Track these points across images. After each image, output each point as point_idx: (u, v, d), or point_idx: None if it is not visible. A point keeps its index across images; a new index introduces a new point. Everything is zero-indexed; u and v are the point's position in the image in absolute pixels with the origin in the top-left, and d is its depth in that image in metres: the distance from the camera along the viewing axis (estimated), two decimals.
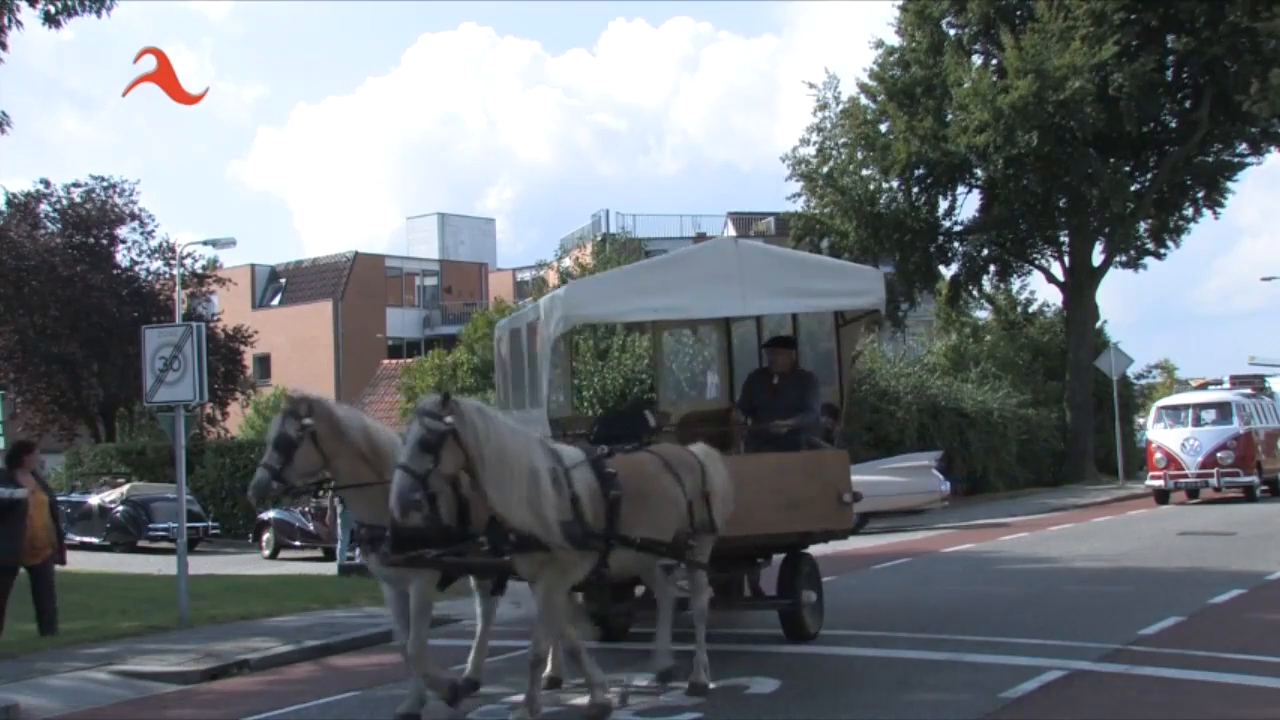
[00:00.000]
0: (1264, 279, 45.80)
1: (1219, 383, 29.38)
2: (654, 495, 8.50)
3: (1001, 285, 41.02)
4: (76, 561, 18.47)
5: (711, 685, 8.65)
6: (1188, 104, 35.22)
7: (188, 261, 34.08)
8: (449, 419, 7.38)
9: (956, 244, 37.81)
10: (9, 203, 34.55)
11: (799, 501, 9.97)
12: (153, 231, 35.47)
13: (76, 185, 35.00)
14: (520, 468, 7.55)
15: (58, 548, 12.64)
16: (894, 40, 37.02)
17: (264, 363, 54.26)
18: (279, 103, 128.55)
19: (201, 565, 20.50)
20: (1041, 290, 64.83)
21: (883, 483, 20.84)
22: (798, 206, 37.57)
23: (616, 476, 8.18)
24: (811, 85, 36.21)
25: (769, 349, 10.98)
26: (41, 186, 34.99)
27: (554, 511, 7.63)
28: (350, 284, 59.79)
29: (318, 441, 8.05)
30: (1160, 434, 26.48)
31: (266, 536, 25.31)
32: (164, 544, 25.37)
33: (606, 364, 27.71)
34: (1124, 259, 38.30)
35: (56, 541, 12.59)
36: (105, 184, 35.10)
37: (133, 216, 35.11)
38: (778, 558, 10.94)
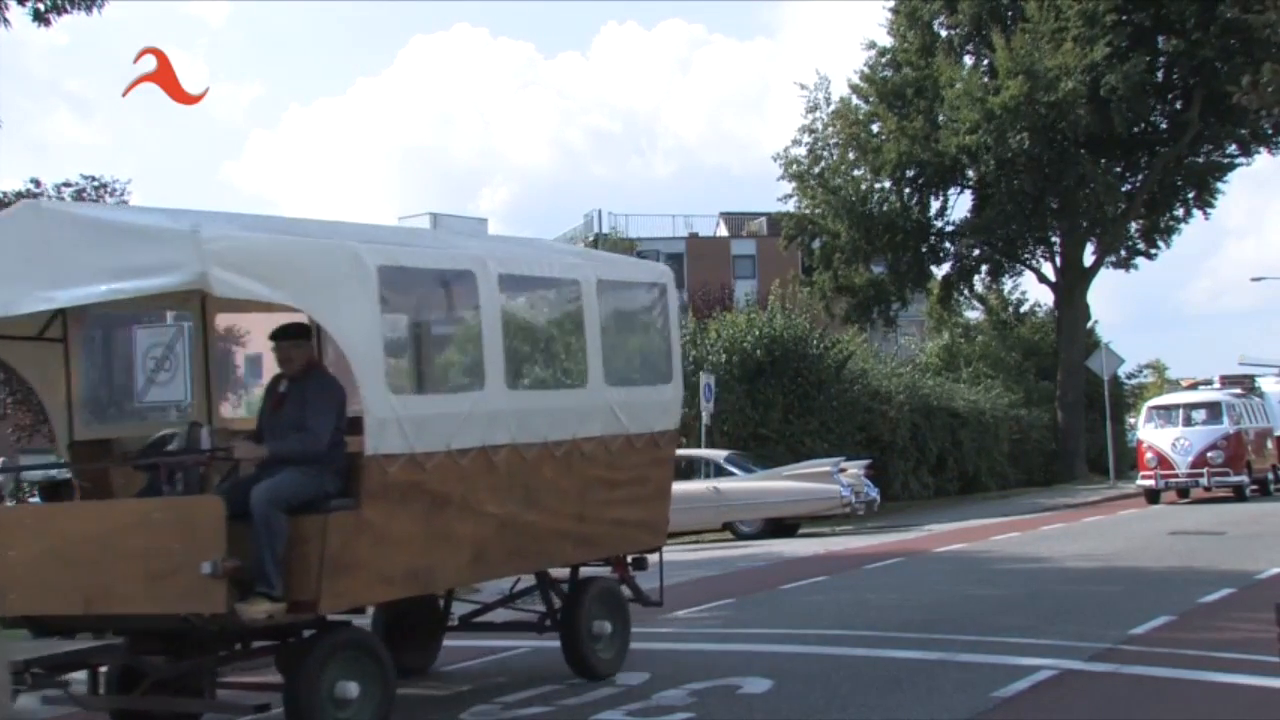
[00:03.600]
0: (1254, 279, 46.17)
1: (1209, 383, 29.44)
2: None
3: (993, 285, 41.12)
4: None
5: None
6: (1178, 105, 35.35)
7: None
8: None
9: (948, 244, 37.92)
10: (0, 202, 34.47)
11: (156, 571, 6.95)
12: None
13: (67, 185, 34.82)
14: None
15: None
16: (885, 41, 37.12)
17: (255, 363, 54.09)
18: (272, 104, 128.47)
19: None
20: (1033, 290, 65.08)
21: (781, 489, 20.97)
22: (789, 207, 37.67)
23: None
24: (803, 86, 36.35)
25: (273, 342, 7.95)
26: (32, 186, 34.85)
27: None
28: None
29: None
30: (1151, 434, 26.53)
31: None
32: None
33: None
34: (1115, 259, 38.43)
35: None
36: (96, 184, 34.95)
37: None
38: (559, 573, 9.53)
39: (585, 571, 9.72)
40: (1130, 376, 45.57)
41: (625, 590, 9.83)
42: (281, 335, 7.88)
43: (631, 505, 9.50)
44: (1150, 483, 26.03)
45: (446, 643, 10.16)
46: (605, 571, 9.83)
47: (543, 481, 8.60)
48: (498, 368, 8.28)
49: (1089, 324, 39.06)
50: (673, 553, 20.02)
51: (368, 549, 7.31)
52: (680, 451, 23.05)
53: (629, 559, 9.88)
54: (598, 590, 9.44)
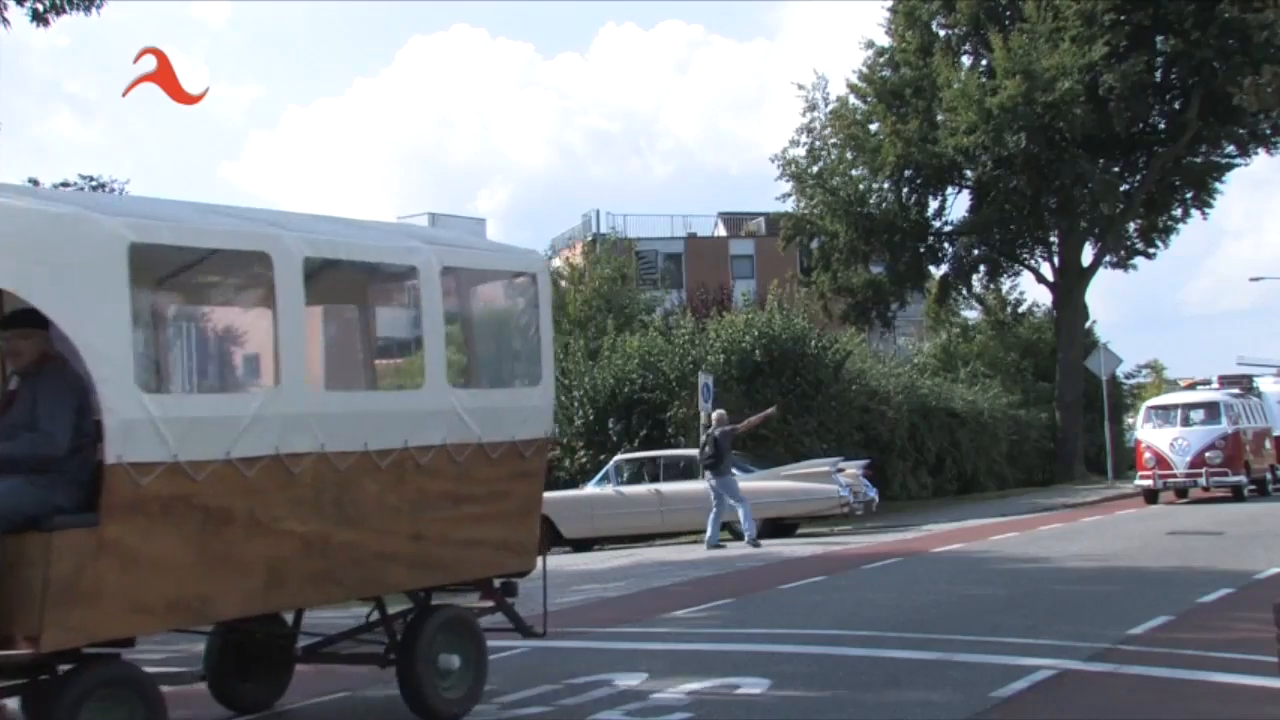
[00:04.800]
0: (1252, 279, 46.22)
1: (1207, 383, 29.44)
2: None
3: (991, 285, 41.14)
4: None
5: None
6: (1177, 105, 35.36)
7: None
8: None
9: (946, 244, 37.96)
10: None
11: None
12: None
13: (65, 185, 34.81)
14: None
15: None
16: (884, 41, 37.14)
17: (253, 362, 54.16)
18: (272, 104, 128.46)
19: None
20: (1031, 290, 65.07)
21: (779, 489, 20.98)
22: (788, 207, 37.69)
23: None
24: (800, 87, 36.36)
25: (2, 332, 6.92)
26: (30, 186, 34.89)
27: None
28: None
29: None
30: (1149, 434, 26.54)
31: None
32: None
33: (597, 364, 27.72)
34: (1113, 259, 38.46)
35: None
36: (94, 184, 34.94)
37: None
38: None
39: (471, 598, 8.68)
40: (1129, 376, 45.68)
41: (501, 620, 8.81)
42: (8, 324, 6.81)
43: (488, 524, 8.32)
44: (1149, 483, 26.03)
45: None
46: (474, 598, 8.79)
47: (364, 496, 7.49)
48: (297, 364, 7.20)
49: (1087, 324, 39.08)
50: (672, 552, 20.12)
51: (113, 574, 6.20)
52: (680, 451, 23.12)
53: (498, 584, 8.69)
54: (443, 620, 8.24)
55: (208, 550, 6.66)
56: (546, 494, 27.19)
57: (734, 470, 20.40)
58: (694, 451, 22.06)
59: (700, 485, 21.82)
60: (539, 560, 8.78)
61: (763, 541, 19.77)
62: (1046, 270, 38.16)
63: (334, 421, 7.38)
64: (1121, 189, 35.80)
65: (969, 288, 40.69)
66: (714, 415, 20.68)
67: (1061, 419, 37.25)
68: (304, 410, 7.20)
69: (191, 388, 8.30)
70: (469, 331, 8.87)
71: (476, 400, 8.29)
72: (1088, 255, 37.51)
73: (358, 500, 7.47)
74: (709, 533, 20.05)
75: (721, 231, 63.70)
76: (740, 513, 19.85)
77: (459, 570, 8.32)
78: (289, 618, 8.56)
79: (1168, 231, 38.51)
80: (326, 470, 7.28)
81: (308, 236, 7.47)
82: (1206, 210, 37.47)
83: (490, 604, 8.81)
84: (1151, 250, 38.67)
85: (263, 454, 6.93)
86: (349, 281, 8.62)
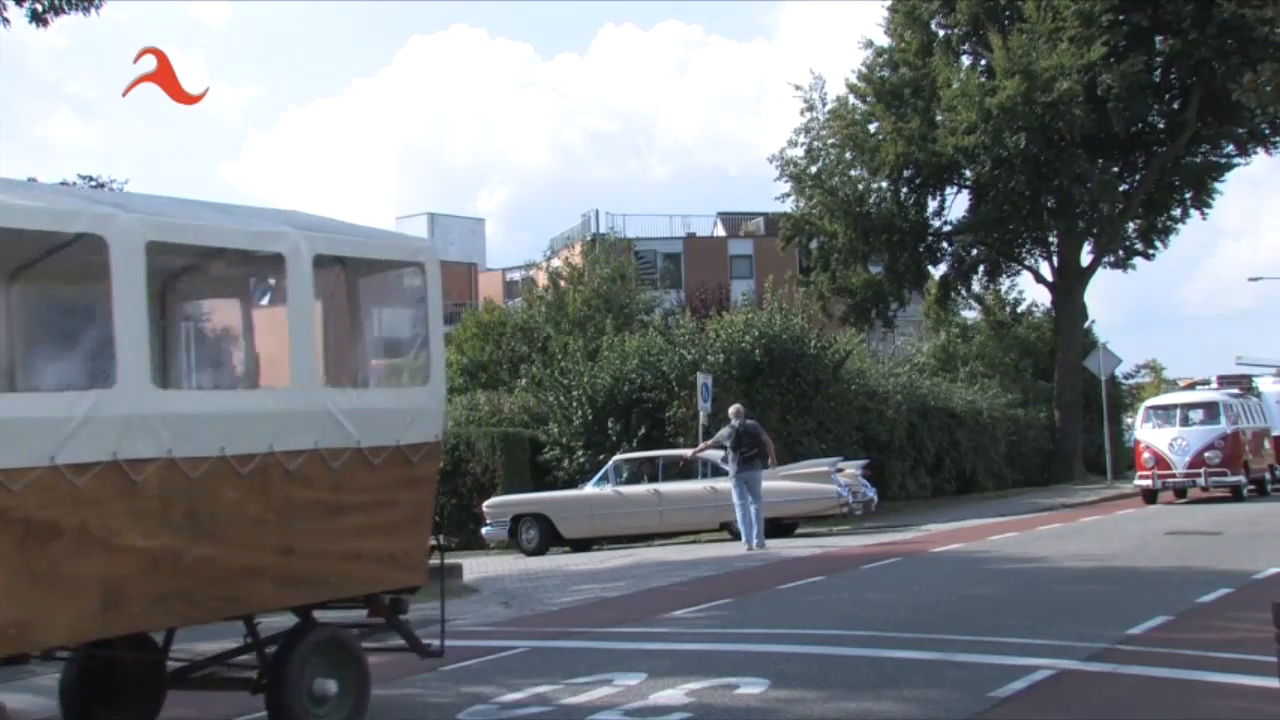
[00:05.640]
0: (1251, 279, 46.18)
1: (1206, 383, 29.45)
2: None
3: (990, 285, 41.16)
4: None
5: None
6: (1176, 105, 35.38)
7: None
8: None
9: (945, 244, 37.94)
10: None
11: None
12: None
13: (65, 185, 34.84)
14: None
15: None
16: (883, 41, 37.14)
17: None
18: (271, 105, 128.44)
19: None
20: (1030, 290, 65.05)
21: (778, 489, 20.93)
22: (787, 207, 37.68)
23: None
24: (798, 87, 36.34)
25: None
26: None
27: None
28: None
29: None
30: (1148, 434, 26.54)
31: None
32: None
33: (596, 364, 27.72)
34: (1112, 259, 38.47)
35: None
36: (93, 184, 34.92)
37: None
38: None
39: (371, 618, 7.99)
40: (1128, 376, 45.70)
41: (392, 638, 8.19)
42: None
43: (372, 535, 7.66)
44: (1148, 483, 26.04)
45: (446, 643, 9.95)
46: (362, 615, 8.13)
47: (221, 506, 6.83)
48: (139, 359, 6.50)
49: (1086, 324, 39.09)
50: (671, 553, 20.11)
51: None
52: (678, 451, 23.10)
53: (388, 600, 8.03)
54: (318, 642, 7.57)
55: (27, 569, 5.98)
56: (546, 494, 27.19)
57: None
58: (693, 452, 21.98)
59: (699, 485, 21.81)
60: (437, 573, 8.11)
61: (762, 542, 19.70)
62: (1045, 270, 38.20)
63: (183, 424, 6.69)
64: (1120, 189, 35.82)
65: (968, 288, 40.70)
66: (732, 410, 20.06)
67: (1060, 419, 37.26)
68: (146, 411, 6.49)
69: (10, 386, 7.39)
70: (347, 325, 8.17)
71: (354, 400, 7.68)
72: (1087, 255, 37.53)
73: (214, 511, 6.80)
74: (747, 532, 19.34)
75: (720, 231, 63.69)
76: (753, 513, 19.40)
77: (338, 586, 7.64)
78: (159, 638, 7.87)
79: (1167, 231, 38.52)
80: (175, 478, 6.60)
81: (150, 218, 6.72)
82: (1206, 210, 37.51)
83: (379, 622, 8.11)
84: (1151, 250, 38.69)
85: (96, 460, 6.25)
86: (214, 271, 7.93)
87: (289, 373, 7.48)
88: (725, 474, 20.42)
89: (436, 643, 8.21)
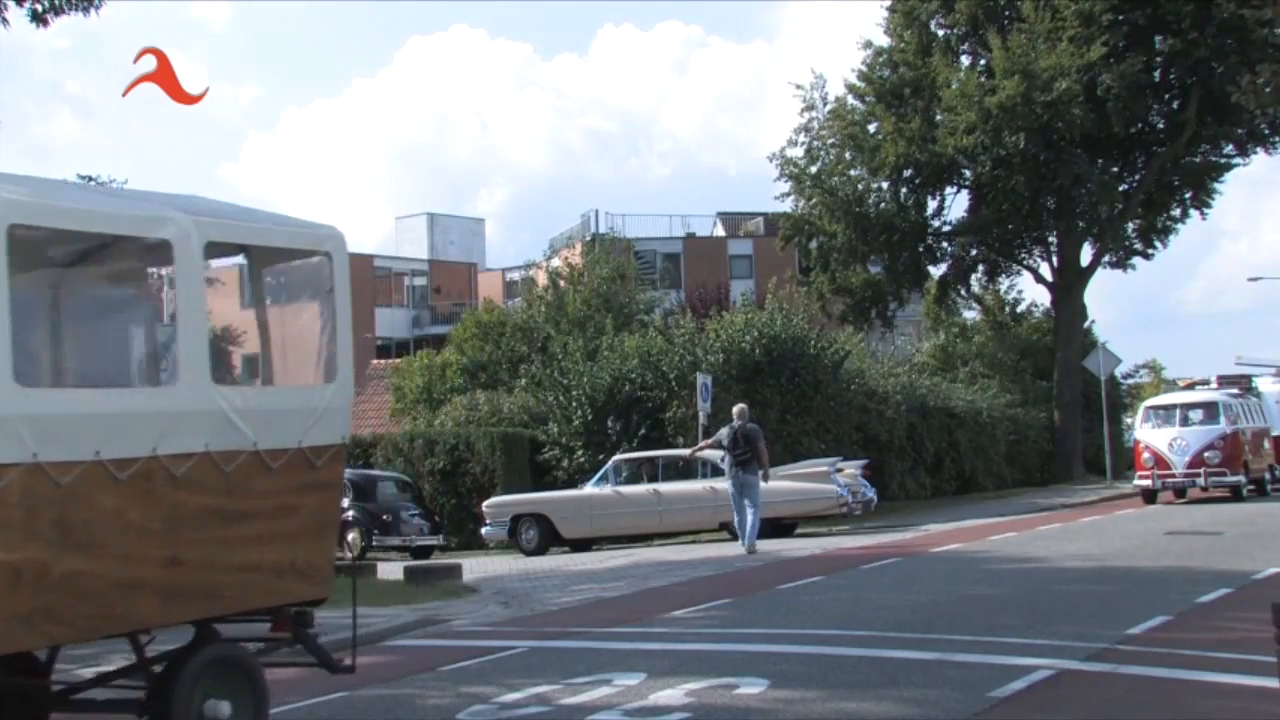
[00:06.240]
0: (1251, 279, 46.25)
1: (1206, 382, 29.45)
2: None
3: (990, 285, 41.15)
4: None
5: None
6: (1175, 105, 35.37)
7: None
8: None
9: (945, 244, 37.95)
10: None
11: None
12: None
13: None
14: None
15: None
16: (883, 41, 37.14)
17: (252, 363, 54.22)
18: (270, 105, 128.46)
19: None
20: (1029, 290, 65.07)
21: (778, 489, 20.92)
22: (786, 207, 37.67)
23: None
24: (798, 86, 36.34)
25: None
26: None
27: None
28: None
29: None
30: (1148, 434, 26.53)
31: None
32: None
33: (595, 364, 27.72)
34: (1112, 259, 38.47)
35: None
36: (93, 184, 34.95)
37: None
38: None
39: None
40: (1127, 376, 45.59)
41: (299, 651, 7.66)
42: None
43: (271, 545, 7.13)
44: (1147, 483, 26.03)
45: (437, 643, 9.96)
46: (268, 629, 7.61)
47: (97, 515, 6.27)
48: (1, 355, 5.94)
49: (1086, 324, 39.07)
50: (671, 553, 20.11)
51: None
52: (678, 451, 23.10)
53: (293, 613, 7.50)
54: (209, 660, 6.98)
55: None
56: (546, 494, 27.16)
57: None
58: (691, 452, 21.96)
59: (699, 485, 21.79)
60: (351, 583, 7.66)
61: (761, 542, 19.67)
62: (1045, 270, 38.19)
63: (50, 425, 6.11)
64: (1120, 189, 35.82)
65: (968, 288, 40.70)
66: (735, 409, 19.94)
67: (1060, 419, 37.25)
68: (6, 411, 5.93)
69: None
70: (245, 318, 7.67)
71: (251, 400, 7.20)
72: (1086, 255, 37.53)
73: (89, 521, 6.23)
74: (743, 533, 19.09)
75: (720, 231, 63.68)
76: (750, 518, 19.16)
77: (233, 600, 7.06)
78: (44, 656, 7.30)
79: (1166, 231, 38.52)
80: (41, 485, 6.02)
81: (13, 200, 6.17)
82: (1205, 210, 37.51)
83: (284, 636, 7.59)
84: (1150, 250, 38.69)
85: None
86: (96, 259, 7.31)
87: (177, 369, 6.88)
88: (724, 474, 20.39)
89: (350, 659, 7.76)
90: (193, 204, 7.33)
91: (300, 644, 7.58)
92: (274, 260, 7.81)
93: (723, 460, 20.18)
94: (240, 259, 7.58)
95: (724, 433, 19.73)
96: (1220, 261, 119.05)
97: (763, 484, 19.41)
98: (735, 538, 20.26)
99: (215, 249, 7.05)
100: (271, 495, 7.14)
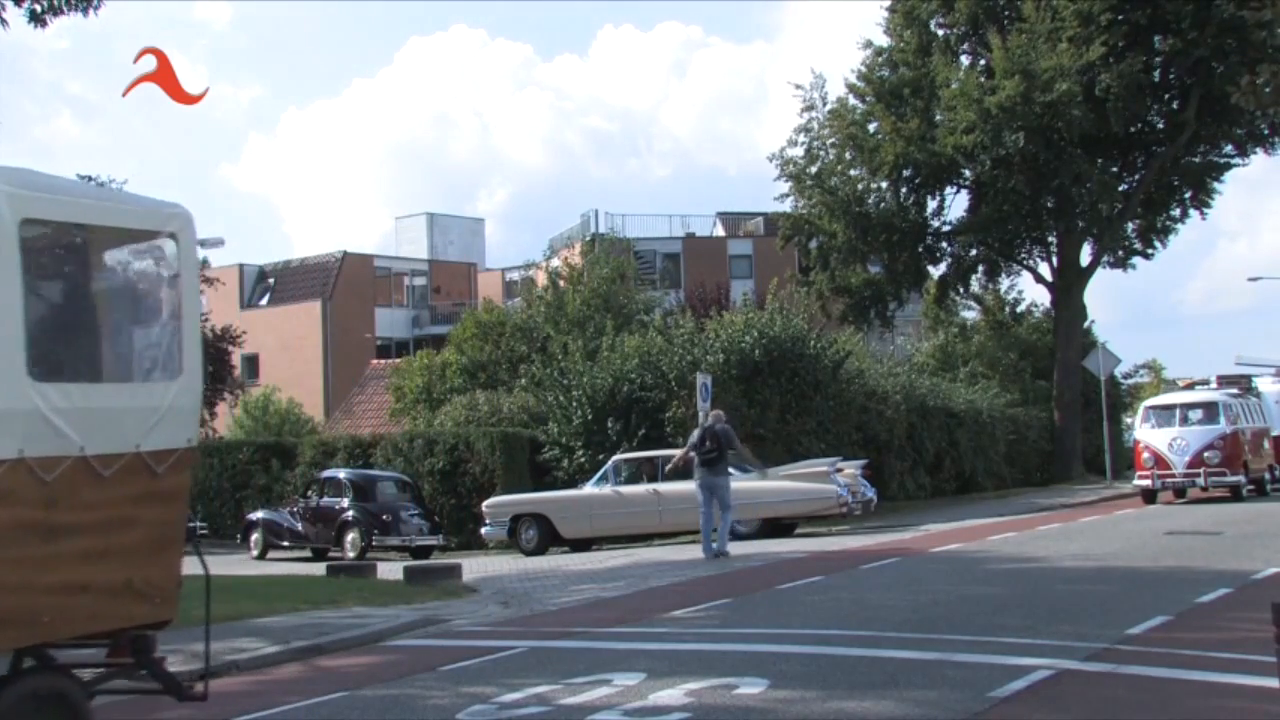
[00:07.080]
0: (1250, 279, 46.26)
1: (1206, 382, 29.45)
2: None
3: (989, 285, 41.17)
4: None
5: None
6: (1175, 105, 35.39)
7: None
8: None
9: (944, 244, 37.97)
10: None
11: None
12: None
13: None
14: None
15: None
16: (882, 41, 37.16)
17: (252, 363, 54.31)
18: (270, 105, 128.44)
19: (189, 565, 20.42)
20: (1029, 290, 65.15)
21: (777, 489, 20.84)
22: (786, 207, 37.70)
23: None
24: (798, 86, 36.36)
25: None
26: None
27: None
28: (339, 284, 59.76)
29: None
30: (1148, 434, 26.53)
31: (255, 537, 25.34)
32: None
33: (595, 364, 27.71)
34: (1112, 259, 38.50)
35: None
36: (93, 184, 34.96)
37: None
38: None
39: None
40: (1127, 376, 45.64)
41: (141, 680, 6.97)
42: None
43: (102, 563, 6.33)
44: (1147, 483, 26.03)
45: (438, 643, 9.99)
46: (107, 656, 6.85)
47: None
48: None
49: (1086, 324, 39.09)
50: (670, 553, 20.10)
51: None
52: (676, 452, 23.05)
53: (131, 638, 6.77)
54: (20, 696, 6.15)
55: None
56: (546, 494, 27.17)
57: (731, 470, 19.66)
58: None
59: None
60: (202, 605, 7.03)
61: (762, 542, 19.62)
62: (1045, 270, 38.21)
63: None
64: (1120, 189, 35.83)
65: (967, 287, 40.72)
66: (712, 413, 19.81)
67: (1060, 419, 37.26)
68: None
69: None
70: (70, 306, 6.78)
71: (75, 398, 6.24)
72: (1086, 255, 37.55)
73: None
74: (707, 540, 18.38)
75: (720, 231, 63.68)
76: (722, 522, 18.55)
77: (56, 626, 6.20)
78: None
79: (1166, 231, 38.55)
80: None
81: None
82: (1205, 210, 37.54)
83: (124, 663, 6.89)
84: (1150, 250, 38.72)
85: None
86: None
87: None
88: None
89: (201, 686, 7.20)
90: (15, 176, 6.35)
91: (144, 670, 6.85)
92: (110, 241, 6.88)
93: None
94: (72, 238, 6.73)
95: (694, 435, 19.47)
96: (1220, 261, 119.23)
97: (762, 484, 19.31)
98: (735, 537, 20.14)
99: (35, 225, 6.17)
100: (102, 507, 6.33)
